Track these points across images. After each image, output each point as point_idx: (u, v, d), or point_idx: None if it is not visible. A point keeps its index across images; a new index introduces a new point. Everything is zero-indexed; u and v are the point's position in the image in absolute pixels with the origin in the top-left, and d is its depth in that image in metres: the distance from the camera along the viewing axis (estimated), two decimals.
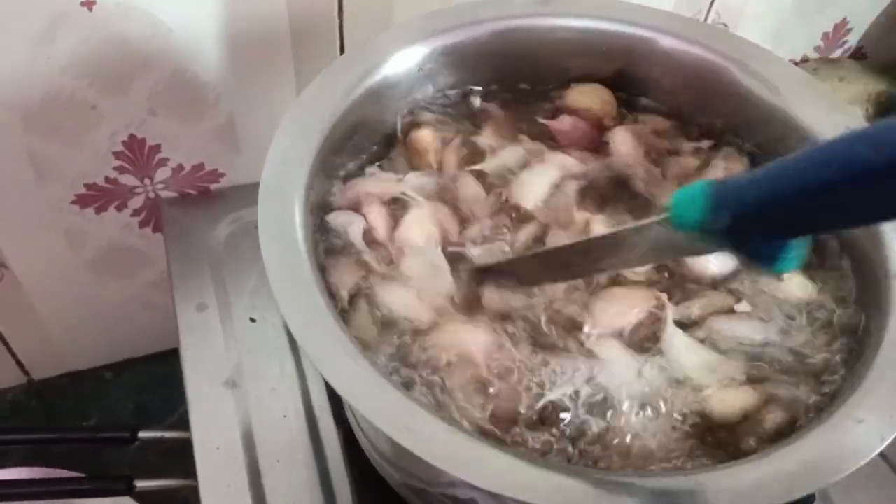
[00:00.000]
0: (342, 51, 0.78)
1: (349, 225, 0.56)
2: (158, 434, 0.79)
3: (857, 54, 1.02)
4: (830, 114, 0.60)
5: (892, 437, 0.43)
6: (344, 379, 0.43)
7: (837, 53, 1.01)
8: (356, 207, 0.58)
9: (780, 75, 0.62)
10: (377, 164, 0.62)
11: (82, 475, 0.89)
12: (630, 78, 0.67)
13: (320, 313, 0.45)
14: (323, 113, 0.57)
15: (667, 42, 0.64)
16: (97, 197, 0.81)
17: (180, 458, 0.69)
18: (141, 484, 0.75)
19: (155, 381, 1.00)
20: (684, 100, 0.66)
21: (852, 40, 1.01)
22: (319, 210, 0.56)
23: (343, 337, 0.45)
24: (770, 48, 0.69)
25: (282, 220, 0.49)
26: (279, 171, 0.52)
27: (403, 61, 0.62)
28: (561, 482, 0.41)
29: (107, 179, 0.80)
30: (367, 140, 0.62)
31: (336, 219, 0.57)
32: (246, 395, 0.70)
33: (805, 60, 0.99)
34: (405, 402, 0.43)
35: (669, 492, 0.41)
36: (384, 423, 0.41)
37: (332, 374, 0.42)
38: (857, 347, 0.51)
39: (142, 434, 0.80)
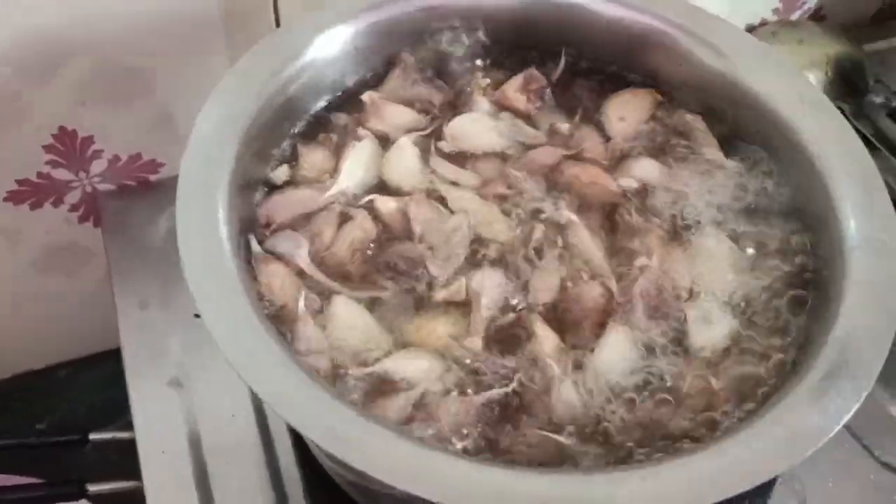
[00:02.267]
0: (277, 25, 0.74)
1: (296, 249, 0.52)
2: (109, 435, 0.77)
3: (817, 16, 1.00)
4: (781, 80, 0.58)
5: (851, 413, 0.42)
6: (269, 385, 0.40)
7: (797, 15, 0.99)
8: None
9: (730, 42, 0.60)
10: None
11: (36, 481, 0.87)
12: (571, 46, 0.64)
13: (245, 317, 0.43)
14: (248, 97, 0.54)
15: (611, 10, 0.61)
16: (30, 193, 0.78)
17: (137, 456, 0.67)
18: (94, 488, 0.73)
19: (110, 379, 0.97)
20: (634, 70, 0.64)
21: (811, 1, 0.99)
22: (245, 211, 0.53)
23: (270, 340, 0.42)
24: (728, 11, 0.67)
25: (204, 218, 0.46)
26: (200, 165, 0.49)
27: (334, 39, 0.59)
28: (512, 489, 0.39)
29: (39, 175, 0.77)
30: (295, 123, 0.59)
31: (277, 245, 0.53)
32: (192, 394, 0.67)
33: (764, 24, 0.96)
34: (340, 408, 0.41)
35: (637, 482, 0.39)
36: (315, 434, 0.39)
37: (256, 381, 0.40)
38: (811, 323, 0.49)
39: (93, 436, 0.78)
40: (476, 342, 0.48)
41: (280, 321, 0.49)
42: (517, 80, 0.63)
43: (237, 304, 0.43)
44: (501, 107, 0.62)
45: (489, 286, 0.50)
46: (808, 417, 0.42)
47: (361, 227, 0.52)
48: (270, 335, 0.43)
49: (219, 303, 0.43)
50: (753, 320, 0.50)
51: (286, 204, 0.54)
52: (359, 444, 0.39)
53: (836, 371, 0.43)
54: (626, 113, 0.61)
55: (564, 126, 0.60)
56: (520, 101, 0.62)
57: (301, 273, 0.51)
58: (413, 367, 0.46)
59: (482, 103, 0.61)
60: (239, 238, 0.49)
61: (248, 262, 0.50)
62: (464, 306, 0.50)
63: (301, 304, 0.49)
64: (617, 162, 0.58)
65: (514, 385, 0.46)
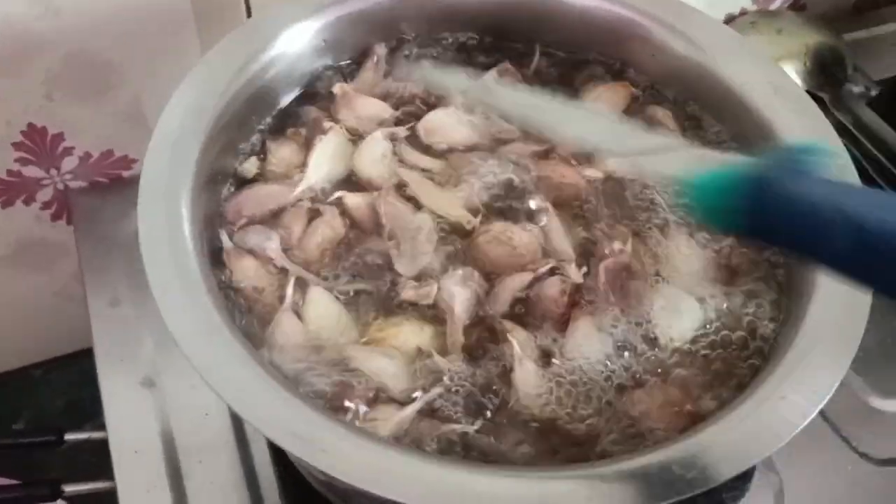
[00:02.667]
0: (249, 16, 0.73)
1: (266, 242, 0.52)
2: (85, 435, 0.76)
3: (796, 5, 0.99)
4: (756, 71, 0.57)
5: (815, 413, 0.41)
6: (231, 386, 0.39)
7: (776, 5, 0.98)
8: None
9: (706, 34, 0.59)
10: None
11: (11, 482, 0.86)
12: (545, 34, 0.63)
13: (207, 316, 0.42)
14: (215, 90, 0.53)
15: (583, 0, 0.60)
16: (1, 192, 0.77)
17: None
18: (70, 489, 0.72)
19: (86, 378, 0.96)
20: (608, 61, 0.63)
21: None
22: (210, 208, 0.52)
23: (233, 341, 0.41)
24: (707, 1, 0.66)
25: (167, 215, 0.46)
26: (165, 160, 0.48)
27: (305, 31, 0.58)
28: (482, 489, 0.38)
29: (9, 172, 0.75)
30: (264, 116, 0.58)
31: (247, 239, 0.52)
32: (164, 393, 0.66)
33: (743, 13, 0.96)
34: (305, 409, 0.40)
35: (598, 482, 0.38)
36: (278, 435, 0.38)
37: (218, 382, 0.39)
38: (777, 322, 0.48)
39: (68, 436, 0.77)
40: (456, 360, 0.47)
41: (252, 316, 0.48)
42: (491, 74, 0.62)
43: (200, 304, 0.42)
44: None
45: (460, 298, 0.49)
46: (781, 407, 0.41)
47: (330, 225, 0.51)
48: (234, 335, 0.42)
49: (181, 303, 0.42)
50: (724, 311, 0.50)
51: (255, 199, 0.54)
52: (323, 445, 0.38)
53: (809, 360, 0.43)
54: (599, 108, 0.60)
55: None
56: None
57: (273, 267, 0.51)
58: (373, 365, 0.46)
59: (456, 98, 0.61)
60: (204, 234, 0.49)
61: (215, 259, 0.49)
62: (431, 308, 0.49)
63: (289, 291, 0.49)
64: (589, 157, 0.57)
65: (477, 425, 0.45)
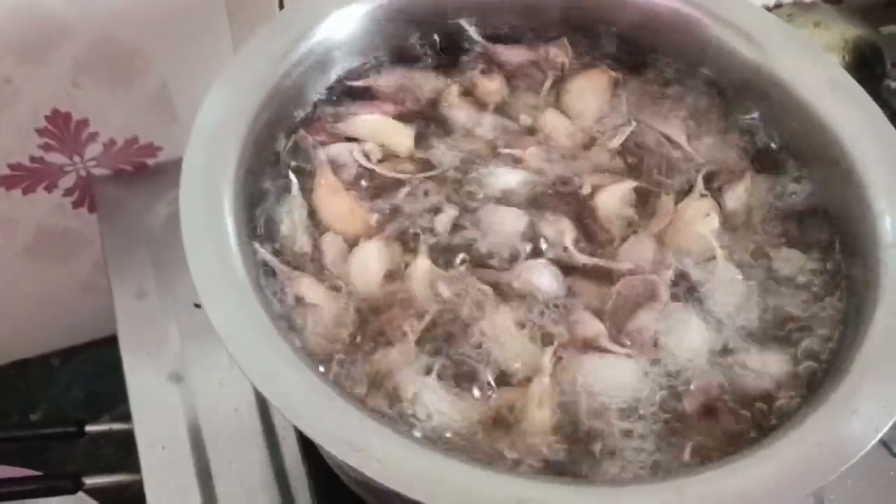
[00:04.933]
0: (281, 3, 0.71)
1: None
2: (106, 427, 0.75)
3: None
4: (809, 64, 0.55)
5: (888, 426, 0.40)
6: (278, 388, 0.38)
7: None
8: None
9: (756, 24, 0.57)
10: None
11: (30, 474, 0.85)
12: (595, 26, 0.62)
13: (254, 315, 0.41)
14: (256, 82, 0.51)
15: None
16: (23, 178, 0.75)
17: (135, 449, 0.65)
18: (90, 481, 0.71)
19: (105, 368, 0.95)
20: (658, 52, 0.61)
21: None
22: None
23: (280, 341, 0.40)
24: None
25: (210, 213, 0.44)
26: (205, 155, 0.46)
27: (345, 19, 0.56)
28: (530, 496, 0.37)
29: (32, 159, 0.74)
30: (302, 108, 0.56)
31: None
32: (192, 388, 0.65)
33: (778, 6, 0.94)
34: (353, 413, 0.38)
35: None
36: (327, 441, 0.36)
37: (263, 382, 0.38)
38: (844, 329, 0.47)
39: (89, 428, 0.76)
40: None
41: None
42: (480, 78, 0.60)
43: (247, 306, 0.41)
44: (481, 105, 0.59)
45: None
46: (844, 427, 0.39)
47: None
48: (283, 338, 0.40)
49: (229, 304, 0.40)
50: (781, 329, 0.48)
51: None
52: (377, 454, 0.36)
53: (873, 376, 0.41)
54: (586, 98, 0.59)
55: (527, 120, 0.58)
56: (493, 91, 0.59)
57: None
58: None
59: (459, 115, 0.58)
60: (247, 227, 0.47)
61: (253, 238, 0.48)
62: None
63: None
64: (582, 148, 0.57)
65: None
